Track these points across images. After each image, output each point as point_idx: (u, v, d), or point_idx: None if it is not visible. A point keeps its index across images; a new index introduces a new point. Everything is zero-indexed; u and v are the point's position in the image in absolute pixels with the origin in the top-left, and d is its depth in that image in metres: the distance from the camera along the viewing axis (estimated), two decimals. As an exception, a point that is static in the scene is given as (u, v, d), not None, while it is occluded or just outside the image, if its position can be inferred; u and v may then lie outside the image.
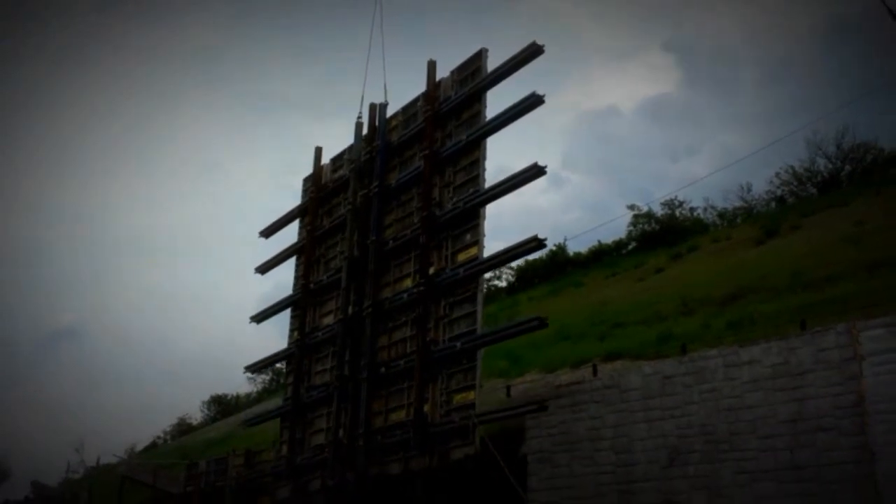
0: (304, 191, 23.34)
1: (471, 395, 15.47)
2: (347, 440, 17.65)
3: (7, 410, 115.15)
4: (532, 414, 14.84)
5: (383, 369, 17.53)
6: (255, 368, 23.99)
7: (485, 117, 17.02)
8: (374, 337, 18.11)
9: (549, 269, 42.93)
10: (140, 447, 56.29)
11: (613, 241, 41.64)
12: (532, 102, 15.55)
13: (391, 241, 18.65)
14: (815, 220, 27.73)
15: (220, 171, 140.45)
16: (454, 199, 17.20)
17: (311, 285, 21.25)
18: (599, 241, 42.02)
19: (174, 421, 62.55)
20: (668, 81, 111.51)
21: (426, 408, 16.11)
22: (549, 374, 20.34)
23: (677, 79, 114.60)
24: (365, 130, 20.75)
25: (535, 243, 15.30)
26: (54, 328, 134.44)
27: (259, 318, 23.55)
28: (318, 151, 22.97)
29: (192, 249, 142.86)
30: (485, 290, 16.86)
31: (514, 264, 47.12)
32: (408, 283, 17.91)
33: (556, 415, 14.44)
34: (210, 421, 54.69)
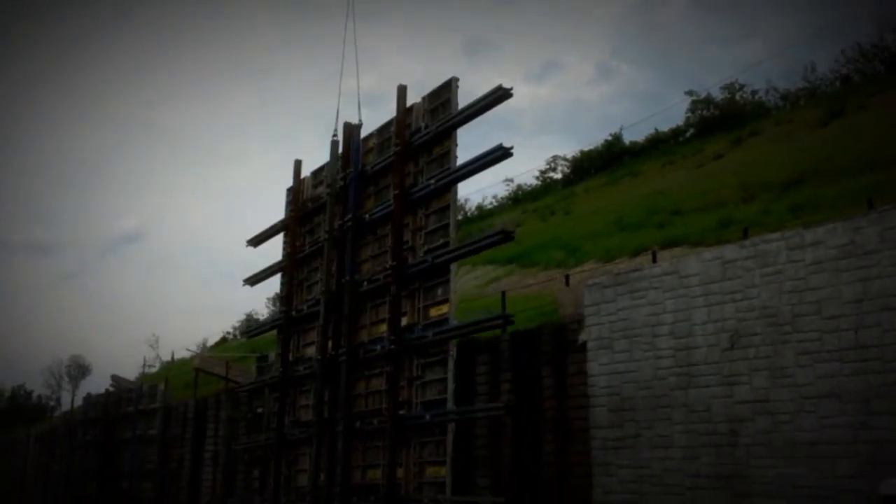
0: (287, 203, 22.30)
1: (442, 472, 15.15)
2: (325, 496, 17.32)
3: (82, 311, 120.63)
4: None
5: (358, 423, 17.17)
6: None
7: (455, 157, 16.66)
8: (350, 386, 17.52)
9: (604, 159, 42.34)
10: (210, 343, 58.54)
11: (670, 129, 40.71)
12: (500, 154, 15.52)
13: (366, 283, 18.02)
14: (882, 98, 26.64)
15: (279, 69, 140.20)
16: (425, 247, 16.72)
17: (293, 312, 20.67)
18: (656, 129, 41.12)
19: (242, 318, 64.74)
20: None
21: (399, 473, 15.85)
22: (607, 264, 20.40)
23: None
24: (341, 149, 19.64)
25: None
26: (118, 232, 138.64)
27: (250, 333, 23.66)
28: (298, 165, 21.79)
29: (253, 148, 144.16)
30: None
31: (568, 156, 46.76)
32: (383, 328, 17.31)
33: (616, 302, 14.54)
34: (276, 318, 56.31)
